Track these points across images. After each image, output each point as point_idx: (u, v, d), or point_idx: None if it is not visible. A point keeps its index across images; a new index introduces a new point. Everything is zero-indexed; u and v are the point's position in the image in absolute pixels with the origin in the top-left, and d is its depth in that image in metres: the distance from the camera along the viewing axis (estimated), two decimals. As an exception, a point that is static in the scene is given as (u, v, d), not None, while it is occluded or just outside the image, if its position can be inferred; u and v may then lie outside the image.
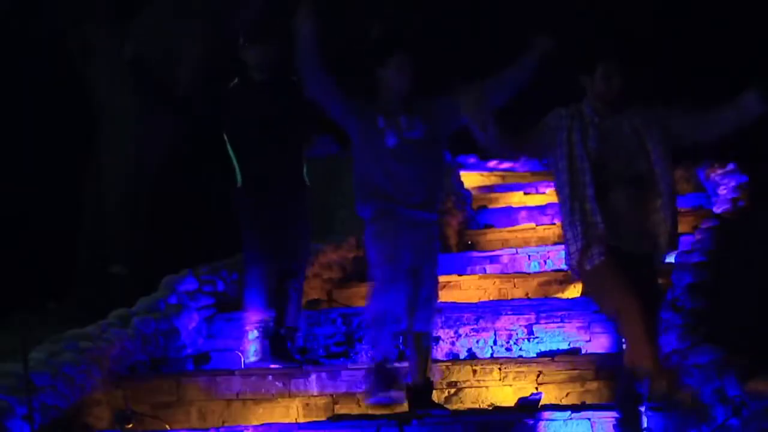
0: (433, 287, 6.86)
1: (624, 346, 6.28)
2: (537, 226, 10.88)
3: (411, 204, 6.67)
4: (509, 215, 11.90)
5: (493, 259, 10.13)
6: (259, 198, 7.64)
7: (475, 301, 8.72)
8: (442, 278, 9.12)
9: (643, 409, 6.10)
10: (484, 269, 10.02)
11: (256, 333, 7.72)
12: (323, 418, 6.99)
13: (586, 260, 6.04)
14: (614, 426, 6.17)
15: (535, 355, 7.66)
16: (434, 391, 7.19)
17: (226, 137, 7.68)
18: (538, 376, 7.15)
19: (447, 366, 7.30)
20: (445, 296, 8.90)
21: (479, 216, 12.06)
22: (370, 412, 6.79)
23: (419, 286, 6.74)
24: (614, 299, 5.99)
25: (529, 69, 6.72)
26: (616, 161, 6.13)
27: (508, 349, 7.88)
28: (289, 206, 7.67)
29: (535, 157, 6.48)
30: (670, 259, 8.48)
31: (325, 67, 6.69)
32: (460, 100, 6.11)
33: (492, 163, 15.01)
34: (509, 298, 8.90)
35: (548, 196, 11.74)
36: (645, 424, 6.14)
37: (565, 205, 6.18)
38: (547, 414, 6.36)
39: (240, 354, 7.81)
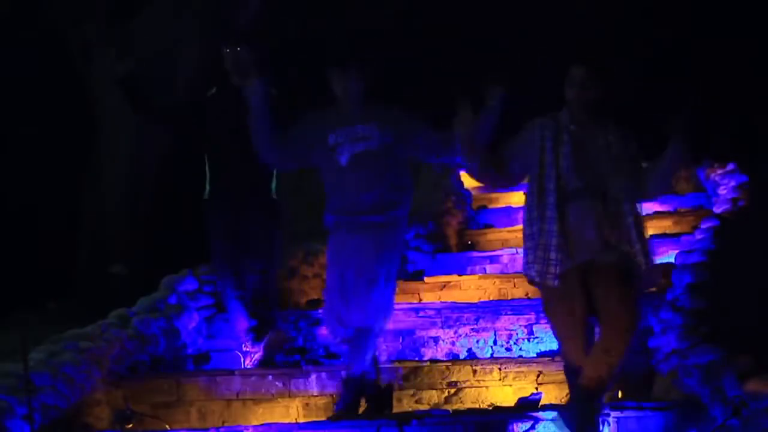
0: (370, 284, 6.69)
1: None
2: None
3: (359, 211, 6.66)
4: (509, 215, 11.91)
5: (493, 259, 10.13)
6: (224, 210, 7.64)
7: (475, 301, 8.72)
8: (442, 278, 9.18)
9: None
10: (484, 269, 10.02)
11: (249, 345, 7.74)
12: (323, 418, 6.99)
13: (538, 272, 6.13)
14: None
15: (535, 355, 7.66)
16: (434, 391, 7.21)
17: (203, 147, 7.72)
18: (538, 376, 7.15)
19: (447, 366, 7.30)
20: (445, 296, 8.93)
21: (479, 216, 12.07)
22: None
23: (353, 283, 6.70)
24: (553, 314, 6.22)
25: (489, 120, 6.61)
26: (585, 171, 6.13)
27: (508, 349, 7.88)
28: (255, 217, 7.66)
29: (524, 174, 6.43)
30: (670, 258, 8.50)
31: (277, 134, 6.72)
32: (454, 121, 6.20)
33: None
34: (509, 298, 8.91)
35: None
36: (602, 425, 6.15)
37: (528, 212, 6.21)
38: (547, 414, 6.36)
39: (240, 354, 7.81)
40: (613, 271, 6.08)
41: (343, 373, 6.80)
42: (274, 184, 7.73)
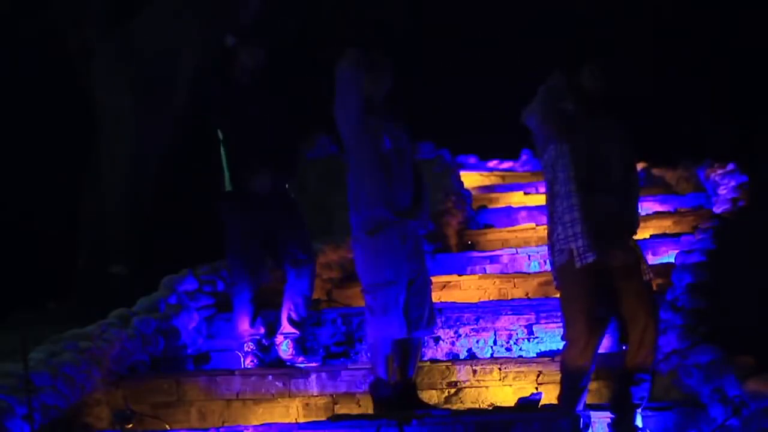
0: (430, 289, 6.87)
1: (624, 348, 6.32)
2: (537, 226, 10.87)
3: (407, 213, 6.68)
4: (509, 215, 11.90)
5: (493, 259, 10.12)
6: (246, 204, 7.63)
7: (475, 301, 8.72)
8: (442, 278, 9.17)
9: (639, 410, 6.16)
10: (484, 269, 10.01)
11: (251, 345, 7.74)
12: (323, 418, 6.99)
13: (567, 257, 6.18)
14: (609, 426, 6.21)
15: (535, 355, 7.66)
16: (434, 391, 7.21)
17: (221, 138, 7.68)
18: (538, 376, 7.15)
19: (447, 366, 7.30)
20: (445, 296, 8.92)
21: (479, 216, 12.06)
22: (370, 411, 6.81)
23: (423, 289, 6.74)
24: (568, 302, 6.30)
25: None
26: (602, 165, 6.17)
27: (508, 349, 7.88)
28: (277, 211, 7.65)
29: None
30: (670, 258, 8.50)
31: None
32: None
33: (492, 163, 15.03)
34: (509, 298, 8.90)
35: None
36: (640, 425, 6.17)
37: (568, 199, 6.18)
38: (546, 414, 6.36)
39: (240, 354, 7.81)
40: (629, 264, 6.19)
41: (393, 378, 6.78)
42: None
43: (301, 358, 7.65)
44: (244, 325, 7.73)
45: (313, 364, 7.60)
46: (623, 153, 6.24)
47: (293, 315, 7.70)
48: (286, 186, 7.74)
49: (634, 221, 6.30)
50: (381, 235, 6.65)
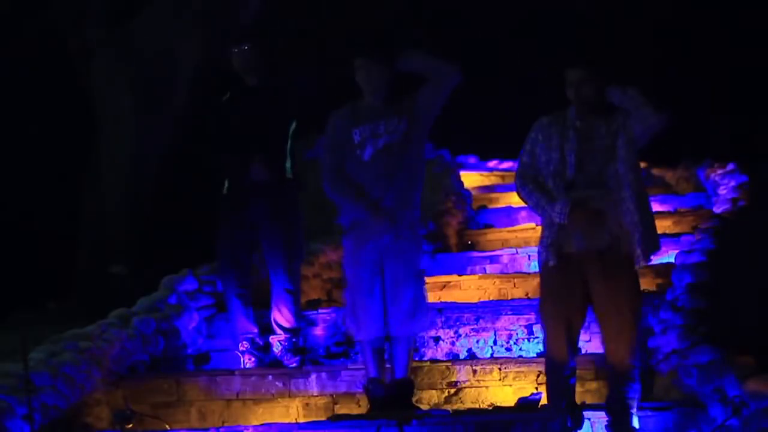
0: (411, 288, 6.79)
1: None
2: (537, 226, 10.84)
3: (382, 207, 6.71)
4: (509, 215, 11.90)
5: (493, 259, 10.12)
6: (236, 205, 7.66)
7: (475, 301, 8.72)
8: (442, 278, 9.17)
9: (633, 411, 6.16)
10: (484, 269, 10.01)
11: (245, 344, 7.75)
12: (323, 418, 6.99)
13: (543, 258, 6.30)
14: (606, 427, 6.21)
15: (535, 355, 7.66)
16: (434, 391, 7.22)
17: (211, 150, 7.75)
18: (538, 376, 7.14)
19: (447, 366, 7.30)
20: (445, 296, 8.92)
21: (479, 216, 12.06)
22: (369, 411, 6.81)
23: (394, 288, 6.72)
24: (543, 301, 6.35)
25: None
26: (591, 164, 6.21)
27: (508, 349, 7.88)
28: (269, 211, 7.66)
29: None
30: (670, 258, 8.50)
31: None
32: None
33: (492, 163, 15.01)
34: (509, 298, 8.90)
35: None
36: (637, 426, 6.17)
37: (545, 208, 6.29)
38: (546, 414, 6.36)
39: (240, 354, 7.81)
40: (602, 260, 6.19)
41: (387, 377, 6.80)
42: (289, 164, 7.73)
43: (287, 359, 7.68)
44: (240, 323, 7.77)
45: (293, 364, 7.61)
46: (622, 151, 6.23)
47: (277, 316, 7.73)
48: (288, 174, 7.73)
49: (617, 210, 6.25)
50: (345, 240, 6.83)
